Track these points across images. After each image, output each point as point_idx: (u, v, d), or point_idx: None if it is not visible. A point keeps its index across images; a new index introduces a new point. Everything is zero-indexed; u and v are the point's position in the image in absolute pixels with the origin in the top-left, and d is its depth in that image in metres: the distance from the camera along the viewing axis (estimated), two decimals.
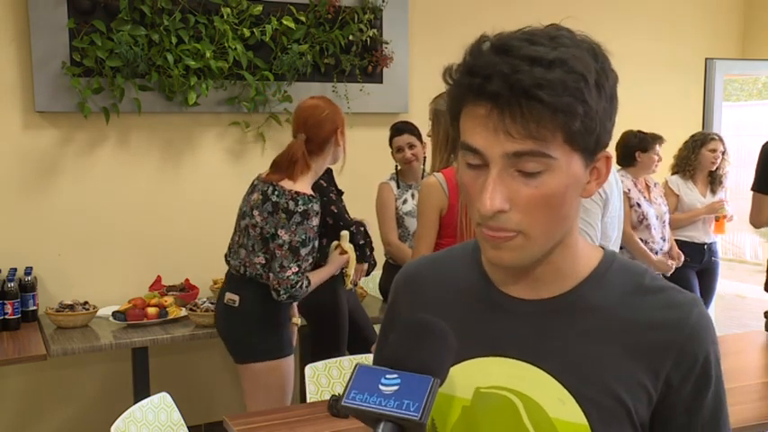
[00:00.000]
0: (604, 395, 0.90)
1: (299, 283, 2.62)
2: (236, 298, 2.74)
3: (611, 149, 0.95)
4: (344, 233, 2.99)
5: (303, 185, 2.66)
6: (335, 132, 2.74)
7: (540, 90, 0.80)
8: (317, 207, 2.64)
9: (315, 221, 2.63)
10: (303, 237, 2.60)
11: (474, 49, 0.85)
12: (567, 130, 0.82)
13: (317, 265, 2.83)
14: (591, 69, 0.82)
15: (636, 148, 4.10)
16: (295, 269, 2.61)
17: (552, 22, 0.88)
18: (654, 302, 0.93)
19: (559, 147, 0.84)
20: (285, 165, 2.70)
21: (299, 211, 2.59)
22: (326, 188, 3.05)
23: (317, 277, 2.77)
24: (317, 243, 2.74)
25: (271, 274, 2.63)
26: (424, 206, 2.58)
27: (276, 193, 2.63)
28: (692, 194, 4.41)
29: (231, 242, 2.85)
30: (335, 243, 2.97)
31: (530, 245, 0.88)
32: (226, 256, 2.87)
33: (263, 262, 2.67)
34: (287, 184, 2.64)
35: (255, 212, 2.68)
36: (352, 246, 2.99)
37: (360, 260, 3.11)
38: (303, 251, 2.61)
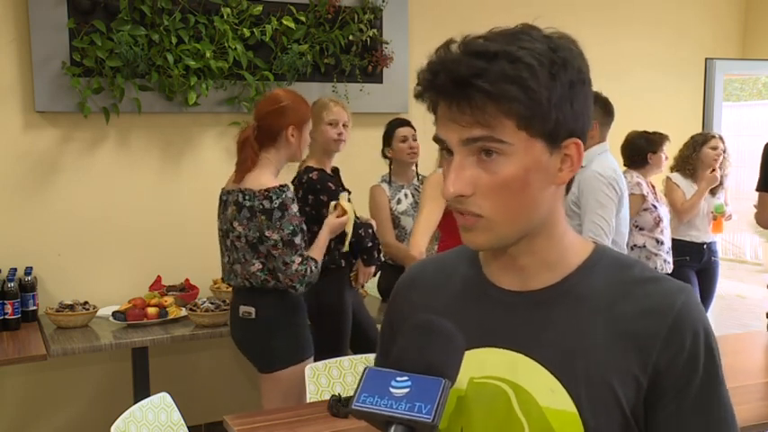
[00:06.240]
0: (594, 384, 0.91)
1: (308, 269, 2.62)
2: (252, 310, 2.71)
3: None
4: (343, 193, 2.96)
5: (268, 179, 2.62)
6: (287, 127, 2.66)
7: (477, 79, 0.84)
8: (290, 194, 2.61)
9: (294, 208, 2.60)
10: (291, 227, 2.58)
11: (437, 50, 0.90)
12: (517, 116, 0.86)
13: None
14: (543, 60, 0.86)
15: (647, 150, 4.10)
16: (299, 260, 2.60)
17: (524, 22, 0.91)
18: (643, 291, 0.94)
19: (513, 133, 0.87)
20: (240, 159, 2.67)
21: (276, 206, 2.56)
22: (334, 191, 3.00)
23: (318, 250, 2.73)
24: (305, 226, 2.72)
25: (279, 275, 2.61)
26: (427, 193, 2.60)
27: (247, 197, 2.60)
28: (692, 193, 4.39)
29: (222, 265, 2.81)
30: (334, 203, 2.91)
31: (497, 228, 0.91)
32: (223, 279, 2.85)
33: (260, 267, 2.64)
34: (251, 183, 2.61)
35: (235, 224, 2.65)
36: (350, 204, 2.94)
37: (368, 263, 3.10)
38: (297, 240, 2.60)
